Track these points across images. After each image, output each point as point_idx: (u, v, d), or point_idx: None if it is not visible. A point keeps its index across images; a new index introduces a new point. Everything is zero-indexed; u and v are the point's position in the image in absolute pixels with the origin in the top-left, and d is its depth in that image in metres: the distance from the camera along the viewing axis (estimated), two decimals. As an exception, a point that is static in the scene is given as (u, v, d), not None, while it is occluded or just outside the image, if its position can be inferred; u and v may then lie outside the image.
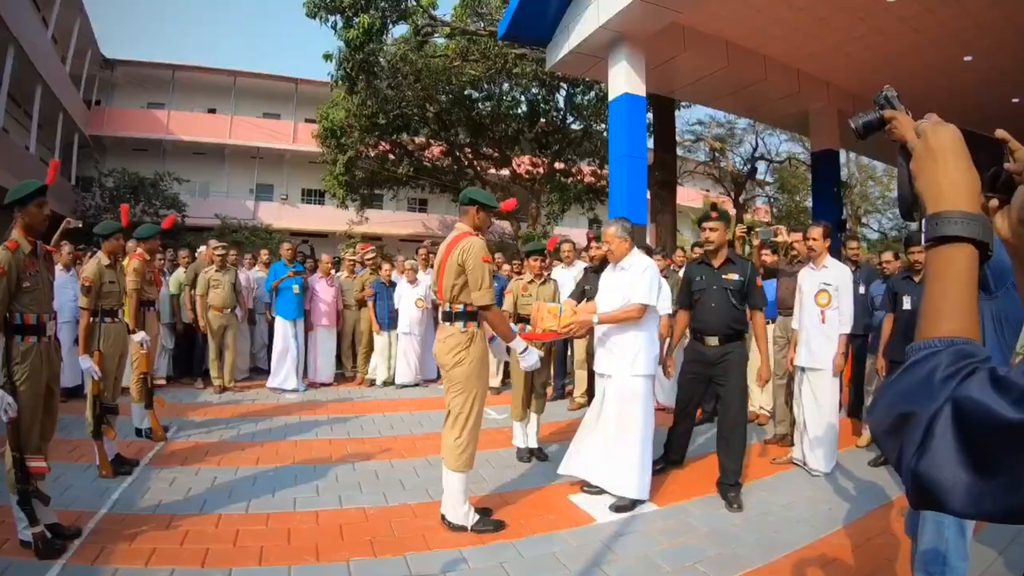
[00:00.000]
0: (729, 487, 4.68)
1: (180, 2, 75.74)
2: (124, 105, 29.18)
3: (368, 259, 10.11)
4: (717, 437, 4.93)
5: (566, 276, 8.36)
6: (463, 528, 4.02)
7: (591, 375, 6.74)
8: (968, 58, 11.30)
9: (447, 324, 4.16)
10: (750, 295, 4.87)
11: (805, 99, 13.03)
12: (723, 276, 4.85)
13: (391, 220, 31.56)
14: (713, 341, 4.86)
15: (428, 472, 5.29)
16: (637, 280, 4.57)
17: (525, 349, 4.35)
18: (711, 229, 4.82)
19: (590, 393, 7.11)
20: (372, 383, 9.32)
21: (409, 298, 9.11)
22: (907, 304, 5.32)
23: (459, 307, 4.11)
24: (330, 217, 29.37)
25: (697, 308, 4.99)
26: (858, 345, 6.74)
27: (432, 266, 9.27)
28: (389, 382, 9.32)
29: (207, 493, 4.66)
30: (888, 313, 5.56)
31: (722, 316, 4.82)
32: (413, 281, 9.13)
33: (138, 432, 5.99)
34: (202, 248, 9.90)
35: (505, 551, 3.80)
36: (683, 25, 10.43)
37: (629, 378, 4.57)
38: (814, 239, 5.56)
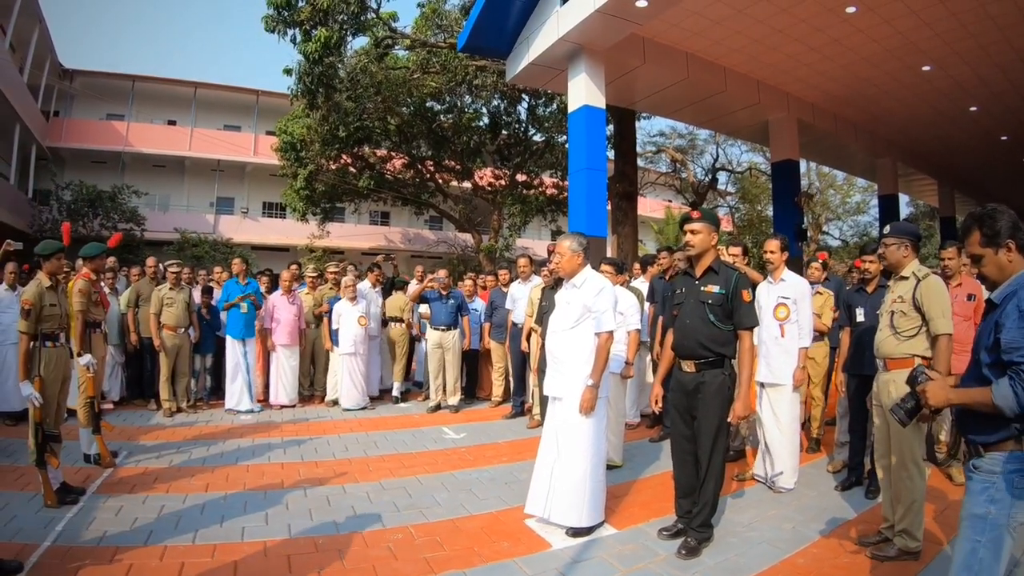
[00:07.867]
0: (688, 529, 4.19)
1: (141, 12, 74.85)
2: (83, 116, 28.65)
3: (331, 272, 9.82)
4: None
5: (522, 291, 8.27)
6: None
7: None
8: (926, 68, 11.49)
9: None
10: (735, 311, 4.08)
11: (765, 110, 13.14)
12: (702, 288, 4.15)
13: (353, 233, 31.44)
14: (688, 366, 4.19)
15: (381, 497, 5.14)
16: (596, 306, 4.41)
17: None
18: (692, 232, 4.16)
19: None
20: (334, 403, 8.99)
21: (351, 315, 8.74)
22: (860, 316, 5.25)
23: None
24: (291, 230, 29.09)
25: (675, 325, 4.35)
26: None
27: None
28: (347, 401, 9.08)
29: (154, 523, 4.47)
30: (845, 326, 5.47)
31: (697, 336, 4.11)
32: (353, 299, 8.80)
33: (86, 458, 5.78)
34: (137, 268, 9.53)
35: (457, 583, 3.67)
36: (643, 37, 10.44)
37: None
38: (771, 252, 5.51)
